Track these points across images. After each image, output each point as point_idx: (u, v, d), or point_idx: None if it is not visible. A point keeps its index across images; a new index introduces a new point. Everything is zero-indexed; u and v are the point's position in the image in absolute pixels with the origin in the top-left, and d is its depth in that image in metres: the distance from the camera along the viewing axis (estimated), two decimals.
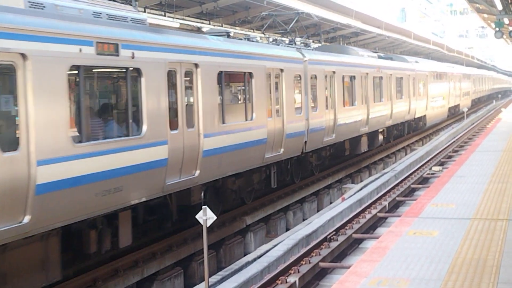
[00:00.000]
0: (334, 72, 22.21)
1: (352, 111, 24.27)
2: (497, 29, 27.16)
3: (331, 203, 21.50)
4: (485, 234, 9.98)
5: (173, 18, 23.84)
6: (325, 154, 23.23)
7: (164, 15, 23.81)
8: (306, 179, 21.88)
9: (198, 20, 25.72)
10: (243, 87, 16.13)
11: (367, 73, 26.16)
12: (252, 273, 11.50)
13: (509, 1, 24.87)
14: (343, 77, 23.15)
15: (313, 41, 34.10)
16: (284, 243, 13.55)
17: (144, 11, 22.97)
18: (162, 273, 13.04)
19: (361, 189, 20.54)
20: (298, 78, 19.15)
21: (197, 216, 10.41)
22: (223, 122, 14.58)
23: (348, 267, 9.77)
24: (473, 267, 8.25)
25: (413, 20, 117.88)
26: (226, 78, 15.20)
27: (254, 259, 13.05)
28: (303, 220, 19.34)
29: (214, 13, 25.63)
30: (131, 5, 16.66)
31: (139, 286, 12.65)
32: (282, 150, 17.55)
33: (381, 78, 28.35)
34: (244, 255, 15.16)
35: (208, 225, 10.34)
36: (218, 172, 14.45)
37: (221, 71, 14.58)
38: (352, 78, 24.48)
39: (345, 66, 23.68)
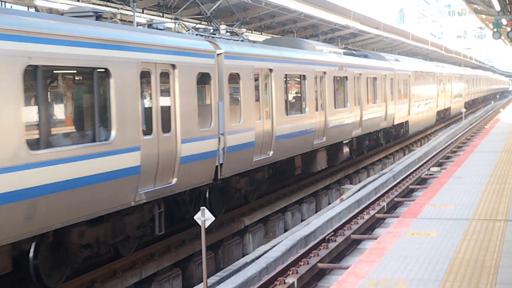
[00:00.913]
0: (271, 70, 17.18)
1: (300, 120, 19.17)
2: (495, 29, 27.17)
3: (329, 204, 21.51)
4: (483, 234, 9.98)
5: (170, 19, 23.83)
6: (261, 176, 18.07)
7: (162, 16, 23.82)
8: (304, 180, 21.86)
9: (196, 21, 25.71)
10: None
11: (324, 72, 21.46)
12: (250, 274, 11.49)
13: (507, 2, 24.90)
14: (285, 76, 18.20)
15: (252, 31, 30.16)
16: (282, 244, 13.55)
17: (142, 12, 22.99)
18: (160, 274, 13.03)
19: (359, 190, 20.55)
20: (206, 78, 14.36)
21: (195, 217, 10.40)
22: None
23: (347, 268, 9.77)
24: (471, 268, 8.25)
25: (411, 21, 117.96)
26: None
27: (253, 260, 13.04)
28: (302, 221, 19.34)
29: (213, 14, 25.58)
30: (129, 6, 16.64)
31: (138, 287, 12.64)
32: (174, 180, 12.77)
33: (345, 78, 23.68)
34: (243, 256, 15.16)
35: (206, 226, 10.33)
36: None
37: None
38: (302, 78, 19.76)
39: (289, 63, 18.60)
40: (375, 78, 27.71)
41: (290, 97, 19.06)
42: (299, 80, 19.71)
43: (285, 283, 10.69)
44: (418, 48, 57.35)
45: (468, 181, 15.09)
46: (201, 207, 10.39)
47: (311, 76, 20.28)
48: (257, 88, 16.53)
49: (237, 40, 17.65)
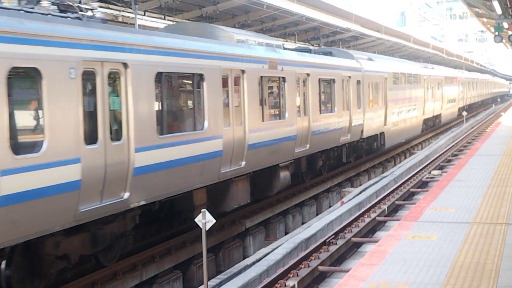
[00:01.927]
0: (126, 65, 11.20)
1: (189, 145, 13.04)
2: (497, 33, 27.22)
3: (330, 206, 21.51)
4: (484, 238, 9.98)
5: (172, 21, 23.87)
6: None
7: (164, 19, 23.85)
8: (304, 184, 21.86)
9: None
10: None
11: (242, 71, 15.28)
12: (251, 276, 11.48)
13: (508, 5, 24.93)
14: (159, 76, 12.19)
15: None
16: (283, 246, 13.54)
17: (144, 15, 23.02)
18: (161, 276, 13.03)
19: (360, 193, 20.54)
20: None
21: (196, 219, 10.39)
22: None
23: (347, 271, 9.76)
24: (472, 271, 8.25)
25: (413, 24, 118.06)
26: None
27: (253, 263, 13.03)
28: (302, 223, 19.33)
29: (214, 17, 25.66)
30: (130, 8, 16.59)
31: None
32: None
33: (282, 79, 17.63)
34: (243, 259, 15.15)
35: (207, 229, 10.32)
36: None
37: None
38: (196, 79, 13.51)
39: (165, 55, 12.43)
40: (332, 80, 21.98)
41: (176, 106, 13.63)
42: (190, 81, 13.71)
43: (285, 286, 10.69)
44: (419, 51, 57.39)
45: (469, 184, 15.08)
46: (202, 210, 10.39)
47: (215, 76, 14.00)
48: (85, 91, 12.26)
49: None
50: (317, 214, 20.69)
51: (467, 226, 10.78)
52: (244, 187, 15.92)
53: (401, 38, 49.03)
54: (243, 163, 15.35)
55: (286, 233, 18.01)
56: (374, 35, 41.69)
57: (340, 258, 12.85)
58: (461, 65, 76.86)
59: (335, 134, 22.31)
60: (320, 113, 20.64)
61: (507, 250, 9.25)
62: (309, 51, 22.70)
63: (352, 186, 25.12)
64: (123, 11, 21.73)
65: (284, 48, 20.41)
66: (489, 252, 9.13)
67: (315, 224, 15.52)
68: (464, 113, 48.85)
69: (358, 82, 24.95)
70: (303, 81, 19.53)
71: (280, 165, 17.46)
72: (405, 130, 33.02)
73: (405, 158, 33.42)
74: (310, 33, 35.42)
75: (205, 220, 10.22)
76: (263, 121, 16.34)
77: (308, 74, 19.71)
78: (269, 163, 16.86)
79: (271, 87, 17.64)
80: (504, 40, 38.90)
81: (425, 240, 9.95)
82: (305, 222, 19.15)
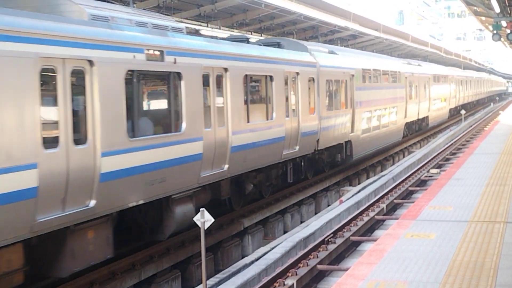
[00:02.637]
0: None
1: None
2: (495, 31, 27.21)
3: (328, 205, 21.52)
4: (482, 236, 9.98)
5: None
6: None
7: None
8: (303, 182, 21.86)
9: (196, 23, 25.74)
10: None
11: (90, 62, 10.39)
12: (249, 275, 11.49)
13: (507, 4, 24.93)
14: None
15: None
16: (281, 245, 13.54)
17: None
18: (159, 275, 13.02)
19: (359, 191, 20.55)
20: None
21: (194, 219, 10.38)
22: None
23: (346, 270, 9.76)
24: (470, 270, 8.25)
25: (411, 22, 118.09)
26: None
27: (252, 262, 13.04)
28: (301, 222, 19.34)
29: (212, 16, 25.64)
30: (128, 7, 16.55)
31: None
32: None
33: (174, 76, 12.73)
34: (242, 258, 15.15)
35: (205, 228, 10.32)
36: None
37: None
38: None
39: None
40: (269, 78, 17.22)
41: None
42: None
43: (284, 284, 10.69)
44: (417, 49, 57.41)
45: (467, 183, 15.09)
46: (201, 208, 10.38)
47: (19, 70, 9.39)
48: None
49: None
50: (315, 213, 20.71)
51: (466, 225, 10.79)
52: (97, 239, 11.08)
53: (400, 37, 49.04)
54: None
55: (284, 232, 18.03)
56: (372, 34, 41.70)
57: (338, 257, 12.85)
58: (459, 63, 76.87)
59: (274, 147, 17.30)
60: (248, 121, 15.69)
61: (506, 248, 9.25)
62: (246, 40, 18.58)
63: (350, 185, 25.14)
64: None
65: (216, 39, 16.13)
66: (487, 251, 9.14)
67: (314, 223, 15.52)
68: (463, 112, 48.77)
69: (312, 80, 20.21)
70: (217, 79, 14.43)
71: (173, 197, 12.82)
72: (380, 136, 28.26)
73: (404, 156, 33.45)
74: (309, 32, 35.42)
75: (204, 219, 10.22)
76: (155, 134, 12.17)
77: (225, 69, 14.64)
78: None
79: (153, 87, 13.08)
80: (502, 39, 38.90)
81: (423, 238, 9.95)
82: (304, 221, 19.16)
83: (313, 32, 35.41)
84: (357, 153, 24.80)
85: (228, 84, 14.83)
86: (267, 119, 17.01)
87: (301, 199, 20.78)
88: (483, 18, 32.87)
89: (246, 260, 13.56)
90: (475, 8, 28.56)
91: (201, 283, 10.91)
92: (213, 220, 10.29)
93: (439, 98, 44.40)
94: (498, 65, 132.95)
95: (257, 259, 13.08)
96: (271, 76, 17.28)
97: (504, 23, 27.39)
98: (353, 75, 24.51)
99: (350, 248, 13.52)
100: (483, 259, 8.73)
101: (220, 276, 12.49)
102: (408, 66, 35.90)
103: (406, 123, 34.61)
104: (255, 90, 17.16)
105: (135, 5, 19.97)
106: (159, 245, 13.70)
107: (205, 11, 24.76)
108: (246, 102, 15.73)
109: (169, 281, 13.07)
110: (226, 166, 14.60)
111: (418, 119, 38.09)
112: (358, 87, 25.02)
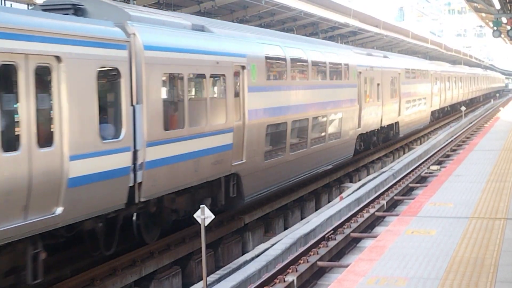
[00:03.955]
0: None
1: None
2: (495, 28, 27.20)
3: (329, 202, 21.51)
4: (483, 233, 9.98)
5: None
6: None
7: None
8: (305, 178, 21.83)
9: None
10: None
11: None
12: (250, 272, 11.49)
13: (507, 0, 24.91)
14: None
15: None
16: (282, 242, 13.55)
17: None
18: (160, 272, 13.03)
19: (359, 188, 20.56)
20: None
21: (195, 215, 10.39)
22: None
23: (346, 266, 9.76)
24: (471, 266, 8.25)
25: (411, 19, 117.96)
26: None
27: (252, 258, 13.04)
28: (301, 219, 19.33)
29: (212, 12, 25.62)
30: (128, 3, 16.51)
31: (137, 285, 12.64)
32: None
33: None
34: (242, 254, 15.16)
35: (206, 224, 10.32)
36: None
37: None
38: None
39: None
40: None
41: None
42: None
43: (284, 281, 10.69)
44: (417, 46, 57.34)
45: (468, 179, 15.08)
46: (201, 205, 10.39)
47: None
48: None
49: None
50: (316, 210, 20.70)
51: (466, 221, 10.79)
52: None
53: (400, 33, 49.00)
54: None
55: (285, 229, 18.02)
56: (373, 30, 41.67)
57: (339, 254, 12.85)
58: (460, 60, 76.80)
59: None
60: (103, 139, 10.64)
61: (506, 244, 9.25)
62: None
63: (351, 182, 25.14)
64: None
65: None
66: (488, 247, 9.14)
67: (314, 220, 15.52)
68: (463, 108, 48.64)
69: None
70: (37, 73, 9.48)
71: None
72: (307, 161, 19.73)
73: (404, 153, 33.46)
74: (309, 29, 35.40)
75: (204, 215, 10.22)
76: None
77: (57, 57, 9.70)
78: None
79: None
80: (502, 35, 38.86)
81: (424, 235, 9.95)
82: (304, 218, 19.16)
83: (313, 28, 35.39)
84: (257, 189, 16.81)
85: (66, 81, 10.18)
86: (114, 139, 11.17)
87: (302, 196, 20.78)
88: (483, 14, 32.83)
89: (247, 256, 13.57)
90: (475, 4, 28.52)
91: (201, 279, 10.92)
92: (213, 216, 10.30)
93: (415, 98, 35.80)
94: (499, 62, 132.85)
95: (257, 256, 13.08)
96: (119, 69, 11.50)
97: (504, 20, 27.35)
98: (243, 66, 15.36)
99: (350, 244, 13.52)
100: (484, 255, 8.73)
101: (220, 272, 12.50)
102: (364, 58, 26.62)
103: (360, 135, 25.89)
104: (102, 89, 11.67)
105: (135, 1, 19.95)
106: (159, 241, 13.72)
107: (205, 8, 24.74)
108: (93, 107, 10.64)
109: (170, 277, 13.08)
110: (59, 210, 9.86)
111: (381, 128, 29.38)
112: (252, 88, 15.86)
